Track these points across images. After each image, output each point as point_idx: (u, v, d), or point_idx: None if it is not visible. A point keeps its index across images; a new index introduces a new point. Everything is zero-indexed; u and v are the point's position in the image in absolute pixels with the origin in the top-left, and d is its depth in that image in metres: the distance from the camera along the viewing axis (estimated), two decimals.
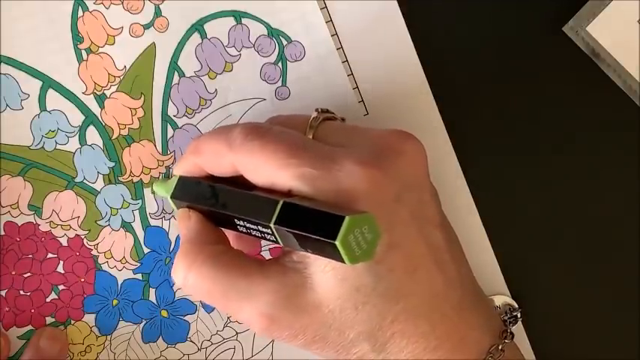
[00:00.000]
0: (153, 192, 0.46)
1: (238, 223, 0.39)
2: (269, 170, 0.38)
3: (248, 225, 0.38)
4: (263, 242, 0.47)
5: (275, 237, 0.37)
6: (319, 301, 0.38)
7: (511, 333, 0.41)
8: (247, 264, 0.40)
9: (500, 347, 0.40)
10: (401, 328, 0.38)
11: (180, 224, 0.42)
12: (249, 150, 0.38)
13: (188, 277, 0.39)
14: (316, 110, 0.42)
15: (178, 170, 0.43)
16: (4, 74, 0.45)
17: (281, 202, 0.36)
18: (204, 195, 0.41)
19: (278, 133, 0.39)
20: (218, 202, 0.40)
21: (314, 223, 0.35)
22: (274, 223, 0.36)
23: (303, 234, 0.35)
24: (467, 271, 0.41)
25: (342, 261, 0.34)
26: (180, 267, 0.40)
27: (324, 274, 0.38)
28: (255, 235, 0.38)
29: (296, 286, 0.38)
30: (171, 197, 0.43)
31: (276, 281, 0.39)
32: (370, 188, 0.37)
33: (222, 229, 0.41)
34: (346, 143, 0.40)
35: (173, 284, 0.47)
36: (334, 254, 0.34)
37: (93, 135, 0.46)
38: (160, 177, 0.47)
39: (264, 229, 0.37)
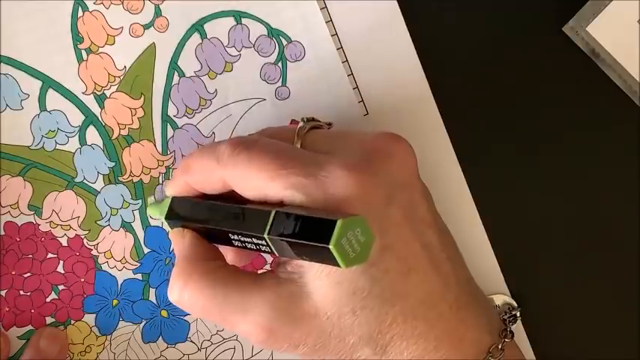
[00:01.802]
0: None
1: (233, 237, 0.39)
2: (259, 182, 0.38)
3: (242, 238, 0.38)
4: None
5: (270, 248, 0.37)
6: (316, 309, 0.38)
7: (511, 332, 0.41)
8: (242, 278, 0.40)
9: (500, 346, 0.40)
10: (400, 330, 0.38)
11: (175, 242, 0.42)
12: (237, 163, 0.39)
13: (184, 294, 0.39)
14: (302, 120, 0.42)
15: (170, 191, 0.43)
16: (4, 74, 0.45)
17: (273, 213, 0.36)
18: (197, 213, 0.41)
19: (265, 145, 0.39)
20: (211, 218, 0.40)
21: (307, 230, 0.35)
22: (267, 234, 0.36)
23: (297, 241, 0.35)
24: (463, 271, 0.41)
25: (337, 265, 0.34)
26: (175, 285, 0.40)
27: (320, 281, 0.38)
28: (250, 248, 0.38)
29: (292, 296, 0.38)
30: (165, 218, 0.43)
31: (271, 293, 0.39)
32: (360, 192, 0.37)
33: (218, 245, 0.42)
34: (334, 150, 0.40)
35: None
36: (329, 259, 0.34)
37: (93, 135, 0.46)
38: (161, 177, 0.47)
39: (258, 241, 0.37)
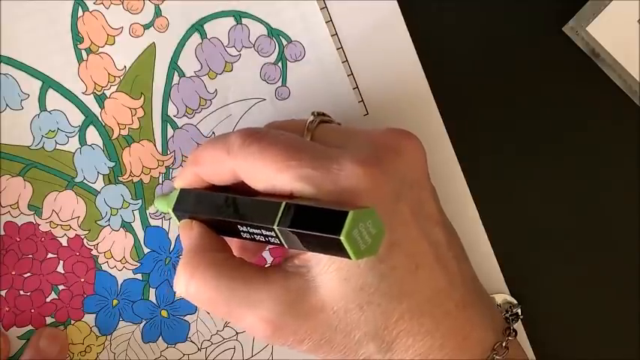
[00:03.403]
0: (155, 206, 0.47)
1: (242, 229, 0.39)
2: (269, 173, 0.38)
3: (251, 230, 0.38)
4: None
5: (279, 239, 0.37)
6: (323, 303, 0.38)
7: (514, 330, 0.41)
8: (249, 271, 0.39)
9: (504, 345, 0.40)
10: (406, 327, 0.38)
11: (182, 234, 0.42)
12: (248, 154, 0.38)
13: (190, 286, 0.39)
14: (312, 113, 0.42)
15: (179, 183, 0.43)
16: (4, 74, 0.45)
17: (283, 204, 0.36)
18: (205, 204, 0.41)
19: (275, 136, 0.39)
20: (220, 210, 0.40)
21: (318, 222, 0.35)
22: (277, 225, 0.36)
23: (308, 233, 0.35)
24: (468, 269, 0.41)
25: (348, 257, 0.34)
26: (182, 276, 0.40)
27: (328, 275, 0.38)
28: (259, 240, 0.38)
29: (299, 291, 0.38)
30: (173, 210, 0.43)
31: (278, 287, 0.38)
32: (370, 187, 0.37)
33: (226, 238, 0.41)
34: (344, 144, 0.40)
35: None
36: (339, 251, 0.34)
37: (93, 135, 0.46)
38: (161, 177, 0.47)
39: (267, 233, 0.37)
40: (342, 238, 0.33)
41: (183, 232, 0.42)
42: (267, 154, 0.38)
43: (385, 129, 0.41)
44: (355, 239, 0.34)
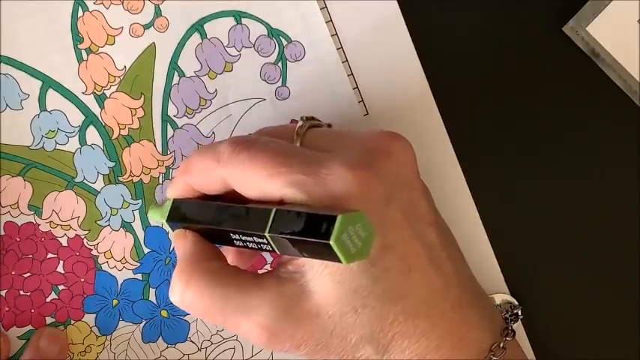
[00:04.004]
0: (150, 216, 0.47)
1: (234, 237, 0.39)
2: (259, 180, 0.38)
3: (244, 238, 0.38)
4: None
5: (271, 246, 0.37)
6: (318, 308, 0.38)
7: (512, 331, 0.41)
8: (244, 278, 0.39)
9: (501, 345, 0.40)
10: (401, 329, 0.38)
11: (177, 244, 0.42)
12: (237, 162, 0.38)
13: (185, 295, 0.39)
14: (301, 118, 0.42)
15: (171, 193, 0.43)
16: (4, 74, 0.45)
17: (274, 211, 0.36)
18: (198, 214, 0.41)
19: (265, 143, 0.39)
20: (212, 219, 0.40)
21: (308, 227, 0.35)
22: (269, 232, 0.36)
23: (298, 238, 0.35)
24: (464, 269, 0.41)
25: (339, 261, 0.34)
26: (177, 285, 0.40)
27: (321, 279, 0.38)
28: (252, 248, 0.38)
29: (293, 296, 0.38)
30: (166, 221, 0.43)
31: (273, 293, 0.38)
32: (360, 190, 0.37)
33: (220, 246, 0.42)
34: (334, 148, 0.40)
35: None
36: (330, 255, 0.34)
37: (93, 135, 0.46)
38: (161, 177, 0.47)
39: (259, 240, 0.37)
40: (331, 242, 0.33)
41: (177, 241, 0.42)
42: (256, 161, 0.38)
43: (374, 131, 0.41)
44: (345, 243, 0.34)
